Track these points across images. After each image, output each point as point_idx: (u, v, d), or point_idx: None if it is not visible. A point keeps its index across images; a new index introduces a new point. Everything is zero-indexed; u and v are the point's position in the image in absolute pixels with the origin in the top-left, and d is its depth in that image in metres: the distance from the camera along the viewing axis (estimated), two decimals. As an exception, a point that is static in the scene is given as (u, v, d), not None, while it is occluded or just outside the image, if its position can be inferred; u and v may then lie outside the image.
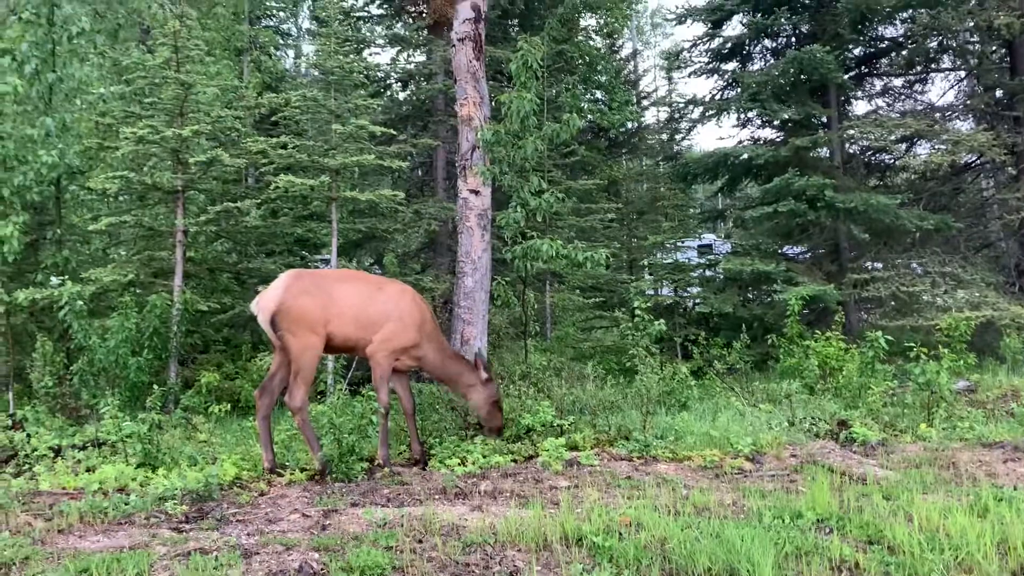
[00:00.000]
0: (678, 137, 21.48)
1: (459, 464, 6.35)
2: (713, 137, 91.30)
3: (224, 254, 12.26)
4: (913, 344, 8.62)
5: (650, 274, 17.06)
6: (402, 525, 4.66)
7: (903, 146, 14.77)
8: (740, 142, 16.42)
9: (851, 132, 13.96)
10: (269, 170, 11.25)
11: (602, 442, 7.16)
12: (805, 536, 4.38)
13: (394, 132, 12.09)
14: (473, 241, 9.04)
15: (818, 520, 4.68)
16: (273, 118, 12.80)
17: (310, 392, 6.53)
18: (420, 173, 16.89)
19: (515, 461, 6.61)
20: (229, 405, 8.42)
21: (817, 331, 10.81)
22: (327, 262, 13.00)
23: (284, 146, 10.83)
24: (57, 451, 6.89)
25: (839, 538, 4.39)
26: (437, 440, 7.05)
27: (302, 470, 6.22)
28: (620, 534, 4.45)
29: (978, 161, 14.97)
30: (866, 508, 4.90)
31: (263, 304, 6.29)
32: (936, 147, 14.06)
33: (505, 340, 12.20)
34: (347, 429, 6.13)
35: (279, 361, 6.46)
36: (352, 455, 6.11)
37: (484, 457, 6.56)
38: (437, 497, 5.42)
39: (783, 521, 4.66)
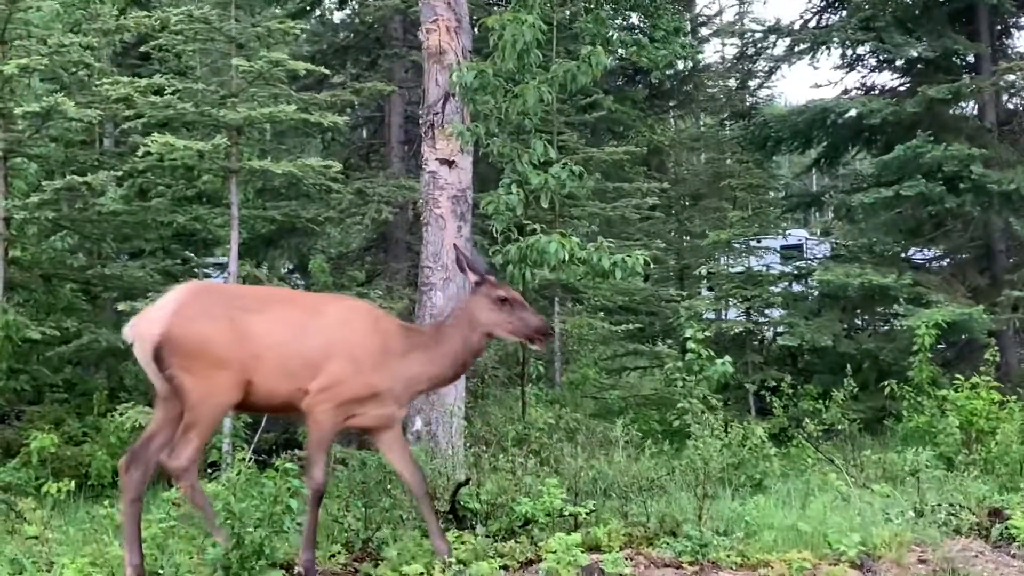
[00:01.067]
0: (753, 84, 21.62)
1: (423, 572, 6.31)
2: (805, 84, 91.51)
3: (67, 254, 12.26)
4: (1103, 396, 8.71)
5: (710, 289, 17.13)
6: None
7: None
8: (845, 91, 16.56)
9: (1011, 77, 14.07)
10: (136, 127, 11.26)
11: (637, 539, 7.16)
12: None
13: (327, 72, 12.16)
14: (445, 237, 9.06)
15: (958, 658, 4.70)
16: (143, 48, 12.84)
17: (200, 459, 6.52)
18: (365, 134, 16.95)
19: (506, 568, 6.58)
20: (73, 482, 8.36)
21: (958, 375, 10.87)
22: (223, 268, 12.98)
23: (159, 91, 10.84)
24: None
25: None
26: (389, 534, 7.03)
27: (183, 579, 6.20)
28: None
29: None
30: (1030, 641, 4.91)
31: (143, 328, 6.26)
32: None
33: (493, 387, 12.22)
34: (252, 520, 6.11)
35: (162, 417, 6.42)
36: (260, 558, 6.08)
37: (460, 563, 6.49)
38: (387, 621, 5.39)
39: (905, 660, 4.68)
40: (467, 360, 7.02)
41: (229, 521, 6.08)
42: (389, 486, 7.64)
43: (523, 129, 8.54)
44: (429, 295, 9.06)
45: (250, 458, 8.91)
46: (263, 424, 10.76)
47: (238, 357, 6.22)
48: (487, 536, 7.16)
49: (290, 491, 6.26)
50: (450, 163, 9.16)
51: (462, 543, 6.93)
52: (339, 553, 6.84)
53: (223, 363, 6.19)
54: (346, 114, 13.87)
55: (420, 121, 9.56)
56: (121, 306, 10.46)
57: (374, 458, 8.13)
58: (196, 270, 13.38)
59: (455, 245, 7.64)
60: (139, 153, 10.42)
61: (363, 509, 7.34)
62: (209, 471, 8.49)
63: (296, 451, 9.28)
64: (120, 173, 11.36)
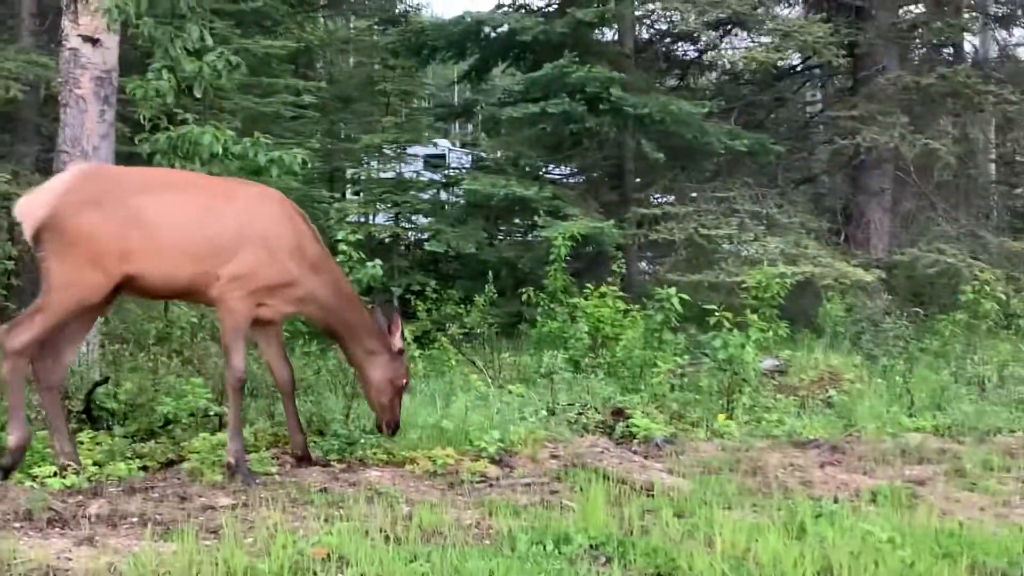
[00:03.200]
0: (405, -10, 21.52)
1: (54, 476, 6.02)
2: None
3: None
4: (713, 307, 9.44)
5: (356, 193, 17.10)
6: (-44, 572, 4.34)
7: (715, 34, 15.99)
8: (499, 6, 16.84)
9: (651, 7, 14.81)
10: None
11: (284, 439, 7.14)
12: (575, 568, 4.66)
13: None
14: (86, 120, 8.44)
15: (592, 546, 5.01)
16: None
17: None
18: (-8, 5, 15.40)
19: (146, 469, 6.45)
20: None
21: (588, 285, 11.43)
22: None
23: None
24: None
25: (620, 570, 4.71)
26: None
27: None
28: (315, 573, 4.46)
29: (805, 64, 16.62)
30: (654, 529, 5.33)
31: (29, 208, 6.08)
32: (756, 40, 15.35)
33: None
34: None
35: None
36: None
37: (96, 464, 6.30)
38: (19, 525, 5.14)
39: (544, 549, 4.93)
40: (330, 336, 7.14)
41: None
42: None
43: (177, 12, 8.01)
44: (65, 182, 8.41)
45: None
46: None
47: (123, 250, 6.08)
48: (125, 437, 6.93)
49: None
50: (94, 41, 8.46)
51: (97, 444, 6.72)
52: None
53: (98, 259, 6.05)
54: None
55: (60, -6, 8.76)
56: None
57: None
58: None
59: (391, 301, 7.45)
60: None
61: (-11, 408, 6.87)
62: None
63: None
64: None
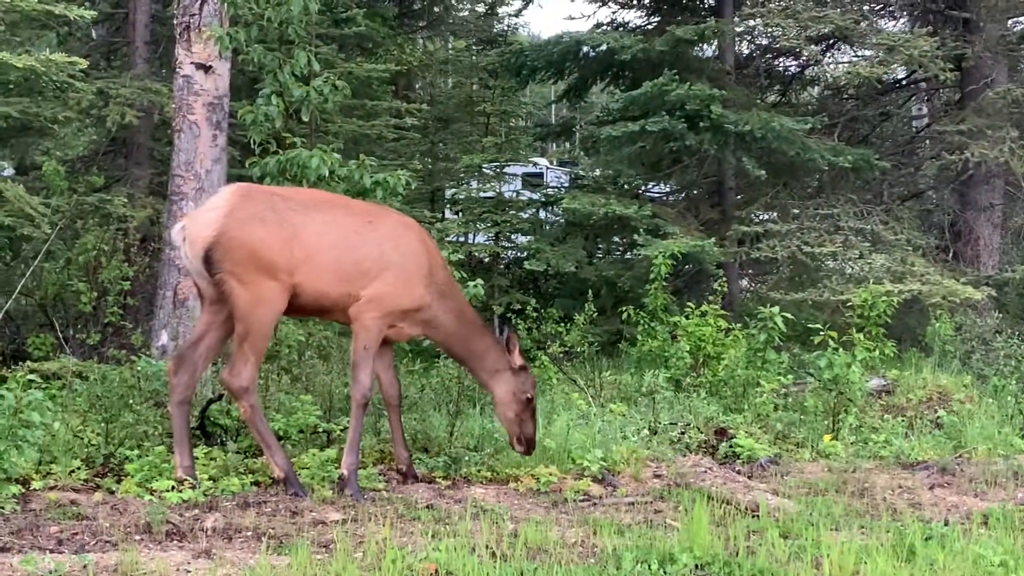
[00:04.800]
0: (503, 11, 21.68)
1: (171, 489, 6.21)
2: (557, 16, 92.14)
3: None
4: (818, 326, 9.35)
5: (455, 213, 17.29)
6: (83, 582, 4.49)
7: (817, 49, 15.81)
8: (598, 26, 16.92)
9: (752, 23, 14.73)
10: None
11: (390, 455, 7.26)
12: (681, 588, 4.69)
13: (63, -39, 11.32)
14: (199, 145, 8.74)
15: (698, 566, 5.01)
16: None
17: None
18: (105, 32, 15.95)
19: (258, 484, 6.58)
20: None
21: (689, 303, 11.39)
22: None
23: None
24: None
25: (726, 591, 4.74)
26: (133, 451, 6.84)
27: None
28: (423, 588, 4.55)
29: (911, 78, 16.36)
30: (760, 550, 5.30)
31: (195, 231, 6.28)
32: (859, 54, 15.15)
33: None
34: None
35: (209, 321, 6.63)
36: (-5, 473, 5.80)
37: (211, 479, 6.46)
38: (139, 538, 5.29)
39: (649, 568, 4.96)
40: (453, 357, 7.34)
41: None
42: (131, 401, 7.43)
43: (286, 39, 8.23)
44: (180, 205, 8.69)
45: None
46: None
47: (287, 262, 6.32)
48: (238, 452, 7.11)
49: (31, 405, 5.97)
50: (206, 68, 8.79)
51: (211, 459, 6.87)
52: (79, 469, 6.60)
53: (274, 271, 6.29)
54: (88, 5, 12.99)
55: (175, 22, 9.09)
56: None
57: (115, 372, 7.87)
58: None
59: (509, 329, 7.66)
60: None
61: (103, 424, 7.11)
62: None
63: (27, 363, 8.85)
64: None
